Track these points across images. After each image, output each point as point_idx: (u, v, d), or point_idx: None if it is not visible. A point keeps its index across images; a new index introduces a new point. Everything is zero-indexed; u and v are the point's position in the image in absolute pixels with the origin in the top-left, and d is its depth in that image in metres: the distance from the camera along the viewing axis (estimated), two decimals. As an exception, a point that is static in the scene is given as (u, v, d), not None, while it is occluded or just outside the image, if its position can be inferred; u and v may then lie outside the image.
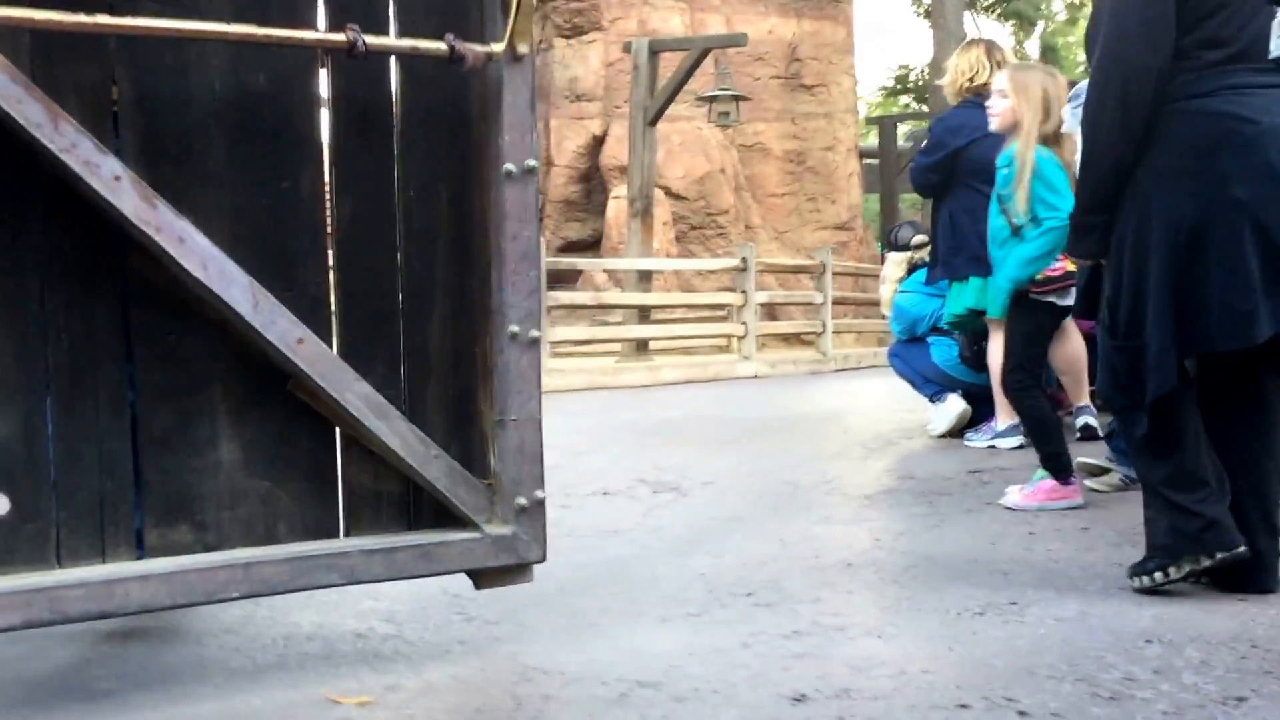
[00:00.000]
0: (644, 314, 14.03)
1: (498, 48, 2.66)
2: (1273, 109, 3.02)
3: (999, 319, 6.18)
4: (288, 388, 2.56)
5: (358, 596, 3.28)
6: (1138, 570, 3.21)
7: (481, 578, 2.80)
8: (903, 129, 24.41)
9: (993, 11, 25.63)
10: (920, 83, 26.68)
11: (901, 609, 3.12)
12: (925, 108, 27.19)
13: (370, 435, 2.61)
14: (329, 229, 2.60)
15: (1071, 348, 6.17)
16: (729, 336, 14.72)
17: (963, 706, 2.30)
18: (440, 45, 2.60)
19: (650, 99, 13.68)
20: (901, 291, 7.71)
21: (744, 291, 14.03)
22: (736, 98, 14.36)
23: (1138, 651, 2.65)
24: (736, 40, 13.28)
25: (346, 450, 2.64)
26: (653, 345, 14.29)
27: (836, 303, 15.55)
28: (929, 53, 24.50)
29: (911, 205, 25.44)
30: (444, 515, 2.74)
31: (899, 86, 28.70)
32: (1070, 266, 4.69)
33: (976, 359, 6.74)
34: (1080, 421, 6.22)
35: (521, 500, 2.75)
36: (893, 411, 8.39)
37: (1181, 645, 2.69)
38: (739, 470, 5.82)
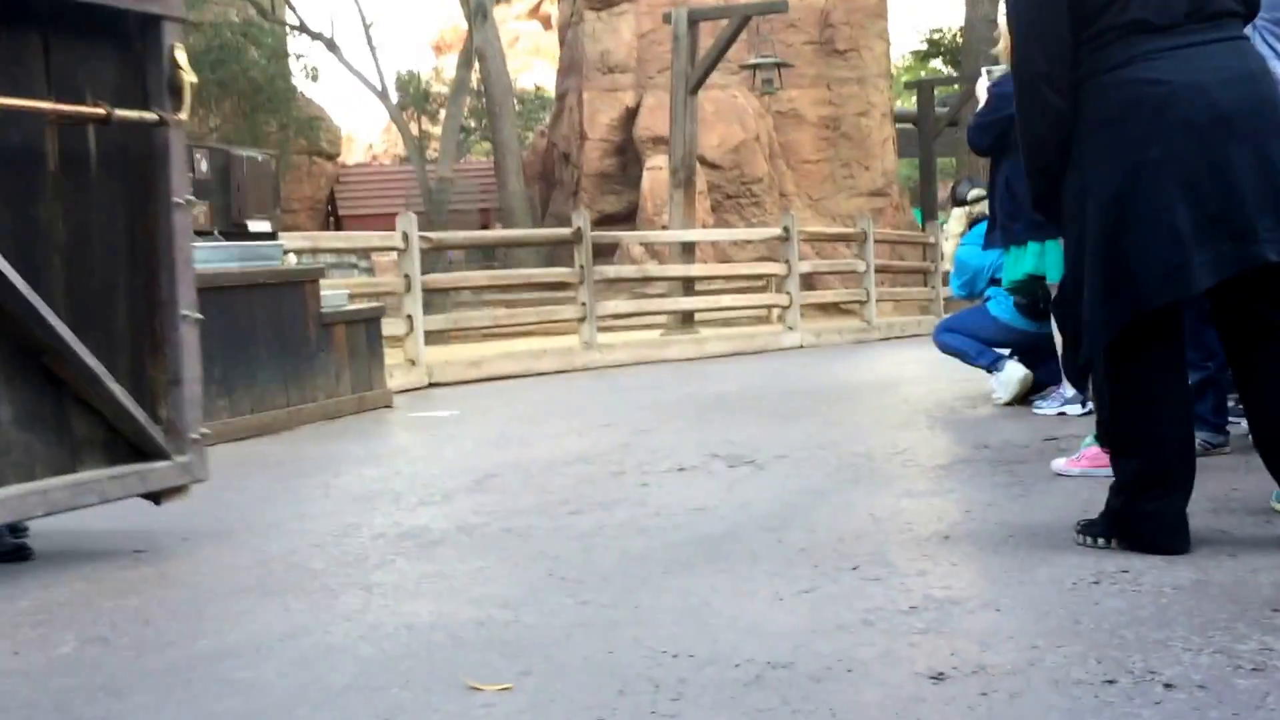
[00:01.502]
0: (688, 286, 14.01)
1: (182, 115, 3.87)
2: (1183, 68, 3.13)
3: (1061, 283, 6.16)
4: (42, 360, 3.53)
5: (468, 584, 3.29)
6: (1086, 529, 3.43)
7: (164, 495, 3.94)
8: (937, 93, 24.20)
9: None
10: (952, 45, 26.47)
11: (1012, 580, 3.11)
12: (955, 71, 26.99)
13: (98, 394, 3.66)
14: (58, 244, 3.65)
15: None
16: (773, 307, 14.68)
17: (1109, 682, 2.29)
18: (153, 115, 3.81)
19: (691, 68, 13.62)
20: (961, 245, 7.68)
21: (787, 261, 13.99)
22: (779, 65, 14.28)
23: (1268, 621, 2.63)
24: (777, 6, 13.22)
25: (74, 407, 3.66)
26: (696, 318, 14.26)
27: (877, 270, 15.46)
28: (959, 15, 24.32)
29: (945, 170, 25.27)
30: (137, 452, 3.83)
31: (931, 50, 28.49)
32: None
33: (1032, 307, 6.71)
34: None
35: (194, 435, 3.96)
36: (951, 380, 8.33)
37: (1310, 613, 2.67)
38: (809, 442, 5.81)
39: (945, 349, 7.31)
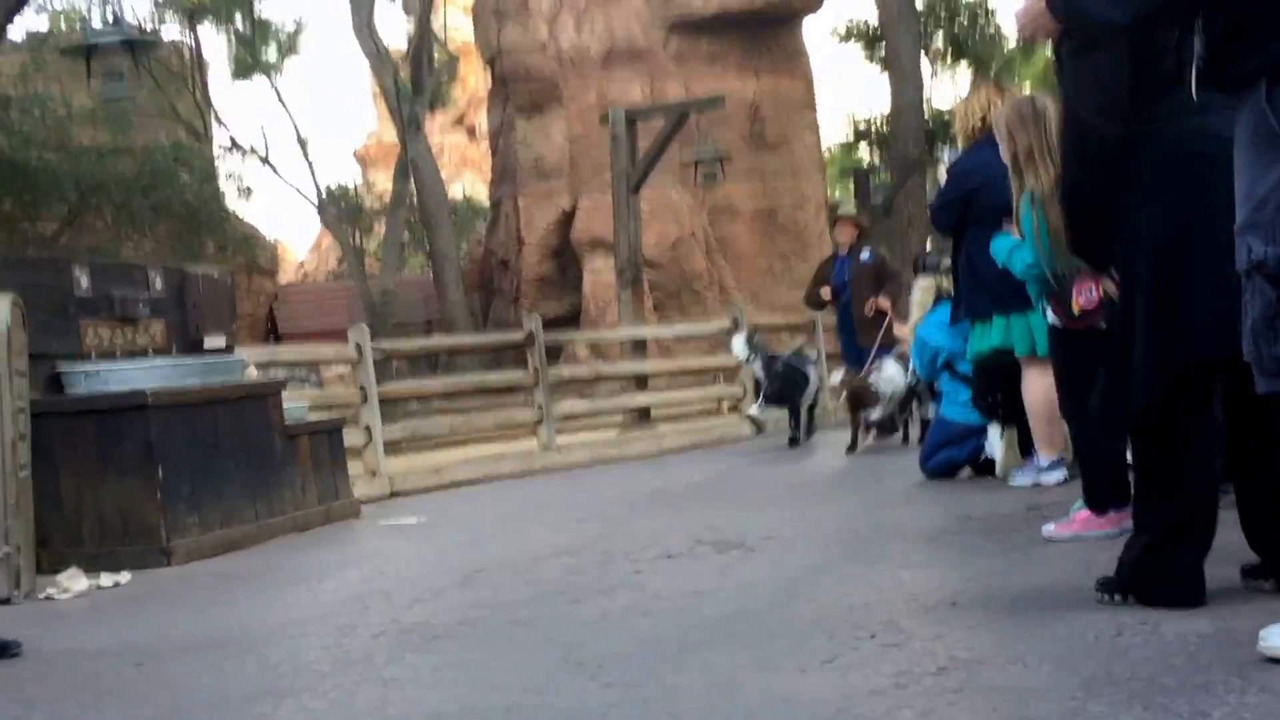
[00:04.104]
0: (640, 383, 14.01)
1: None
2: (1230, 123, 3.06)
3: (1028, 355, 6.17)
4: None
5: (485, 673, 3.25)
6: (1104, 586, 3.43)
7: None
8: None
9: (946, 57, 25.93)
10: (880, 132, 26.86)
11: (1032, 638, 3.11)
12: (878, 161, 27.40)
13: None
14: None
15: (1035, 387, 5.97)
16: (725, 399, 14.68)
17: (1161, 724, 2.29)
18: None
19: (631, 167, 13.76)
20: (922, 323, 7.65)
21: (740, 352, 14.01)
22: (721, 159, 14.47)
23: (1300, 658, 2.65)
24: (713, 103, 13.41)
25: None
26: (651, 414, 14.24)
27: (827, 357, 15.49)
28: (885, 102, 24.72)
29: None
30: None
31: (858, 138, 28.86)
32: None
33: (990, 408, 6.65)
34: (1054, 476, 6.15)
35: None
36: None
37: (1339, 649, 2.69)
38: (794, 524, 5.80)
39: (936, 473, 7.18)
